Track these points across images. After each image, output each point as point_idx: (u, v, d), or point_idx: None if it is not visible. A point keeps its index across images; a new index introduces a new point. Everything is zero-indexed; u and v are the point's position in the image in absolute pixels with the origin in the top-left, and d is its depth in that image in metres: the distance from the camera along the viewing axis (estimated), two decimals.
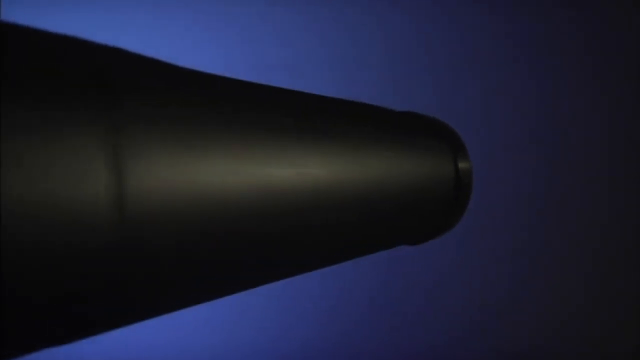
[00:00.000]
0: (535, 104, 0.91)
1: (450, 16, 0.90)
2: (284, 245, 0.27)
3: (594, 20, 0.93)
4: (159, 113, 0.23)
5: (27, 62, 0.21)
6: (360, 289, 0.91)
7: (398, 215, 0.35)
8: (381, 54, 0.87)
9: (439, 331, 0.92)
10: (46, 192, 0.19)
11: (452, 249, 0.88)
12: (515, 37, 0.91)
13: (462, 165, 0.38)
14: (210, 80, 0.27)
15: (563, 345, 0.95)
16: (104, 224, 0.21)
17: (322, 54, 0.86)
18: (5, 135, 0.19)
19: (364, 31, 0.88)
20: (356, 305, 0.91)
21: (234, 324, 0.89)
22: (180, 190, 0.22)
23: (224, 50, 0.84)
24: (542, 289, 0.94)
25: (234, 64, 0.85)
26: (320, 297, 0.90)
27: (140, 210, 0.21)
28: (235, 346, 0.88)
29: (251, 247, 0.26)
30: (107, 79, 0.22)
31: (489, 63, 0.90)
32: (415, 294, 0.92)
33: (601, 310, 0.97)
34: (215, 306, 0.89)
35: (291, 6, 0.88)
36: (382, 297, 0.92)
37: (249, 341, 0.89)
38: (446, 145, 0.38)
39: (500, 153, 0.85)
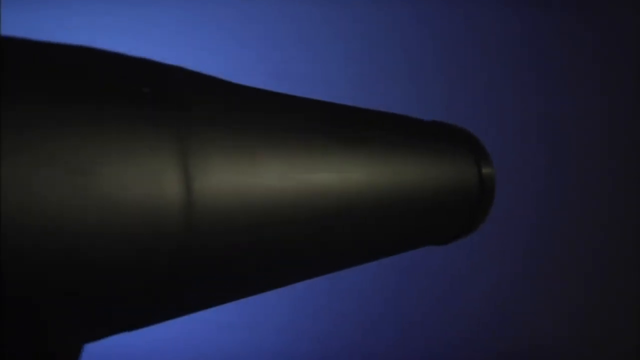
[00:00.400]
0: (546, 105, 0.93)
1: (462, 19, 0.92)
2: (329, 244, 0.30)
3: (604, 21, 0.95)
4: (219, 123, 0.25)
5: (110, 84, 0.23)
6: (375, 290, 0.93)
7: (426, 217, 0.37)
8: (396, 58, 0.90)
9: (449, 331, 0.94)
10: (127, 192, 0.22)
11: (454, 251, 0.90)
12: (525, 40, 0.94)
13: (485, 170, 0.40)
14: (259, 92, 0.30)
15: (563, 345, 0.96)
16: (175, 224, 0.23)
17: (336, 61, 0.89)
18: (97, 146, 0.22)
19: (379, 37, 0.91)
20: (372, 305, 0.93)
21: (254, 325, 0.91)
22: (240, 194, 0.25)
23: (242, 58, 0.87)
24: (551, 289, 0.96)
25: (255, 72, 0.88)
26: (334, 299, 0.93)
27: (206, 211, 0.24)
28: (256, 346, 0.90)
29: (300, 246, 0.28)
30: (173, 94, 0.25)
31: (500, 64, 0.92)
32: (426, 296, 0.94)
33: (602, 310, 0.98)
34: (232, 307, 0.91)
35: (303, 16, 0.91)
36: (397, 299, 0.94)
37: (267, 341, 0.91)
38: (470, 151, 0.40)
39: (505, 155, 0.87)
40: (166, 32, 0.89)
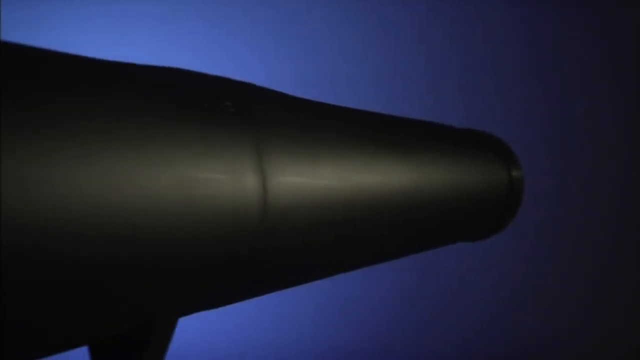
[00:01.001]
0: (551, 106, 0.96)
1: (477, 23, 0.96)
2: (376, 237, 0.35)
3: (613, 22, 0.98)
4: (287, 132, 0.31)
5: (201, 99, 0.29)
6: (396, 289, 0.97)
7: (461, 215, 0.42)
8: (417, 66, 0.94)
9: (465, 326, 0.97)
10: (217, 187, 0.27)
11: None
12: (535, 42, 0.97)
13: (515, 174, 0.45)
14: (319, 105, 0.35)
15: (564, 344, 0.98)
16: (256, 215, 0.29)
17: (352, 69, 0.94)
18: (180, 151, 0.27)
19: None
20: (391, 304, 0.97)
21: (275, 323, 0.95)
22: (304, 192, 0.30)
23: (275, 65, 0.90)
24: (562, 288, 0.99)
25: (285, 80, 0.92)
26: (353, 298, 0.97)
27: (278, 204, 0.29)
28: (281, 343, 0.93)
29: (354, 239, 0.33)
30: (249, 108, 0.30)
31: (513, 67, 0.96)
32: (441, 295, 0.98)
33: (602, 310, 1.00)
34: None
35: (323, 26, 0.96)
36: (414, 298, 0.98)
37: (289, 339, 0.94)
38: (500, 157, 0.45)
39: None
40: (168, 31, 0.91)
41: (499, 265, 0.98)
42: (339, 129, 0.34)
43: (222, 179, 0.27)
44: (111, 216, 0.24)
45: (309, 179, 0.30)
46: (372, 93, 0.91)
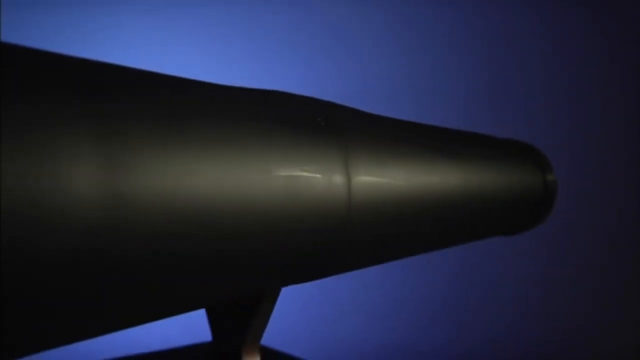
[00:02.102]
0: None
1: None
2: (436, 229, 0.43)
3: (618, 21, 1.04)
4: (365, 141, 0.38)
5: (300, 116, 0.36)
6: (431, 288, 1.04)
7: (501, 212, 0.49)
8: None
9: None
10: (313, 182, 0.35)
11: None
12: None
13: (549, 178, 0.52)
14: (386, 118, 0.42)
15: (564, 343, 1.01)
16: (336, 208, 0.36)
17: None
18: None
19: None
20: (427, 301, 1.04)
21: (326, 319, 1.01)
22: (380, 189, 0.38)
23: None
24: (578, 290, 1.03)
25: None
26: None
27: (360, 198, 0.37)
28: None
29: (417, 229, 0.41)
30: (335, 122, 0.38)
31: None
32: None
33: (602, 309, 1.04)
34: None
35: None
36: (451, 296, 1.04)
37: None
38: (536, 164, 0.52)
39: None
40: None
41: (529, 265, 1.04)
42: (406, 138, 0.41)
43: (318, 178, 0.35)
44: (247, 211, 0.32)
45: (383, 178, 0.38)
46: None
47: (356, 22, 1.04)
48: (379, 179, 0.38)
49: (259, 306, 0.37)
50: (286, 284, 0.38)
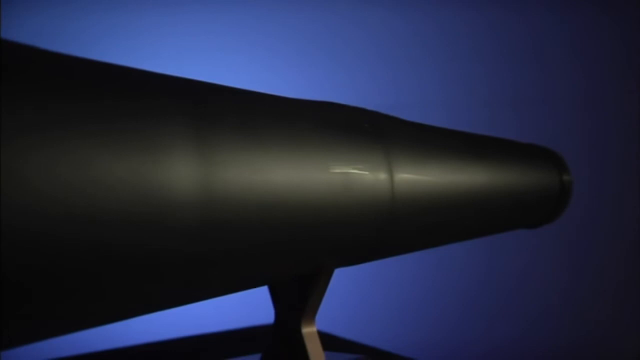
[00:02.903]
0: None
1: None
2: (466, 221, 0.49)
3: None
4: (405, 143, 0.45)
5: (349, 122, 0.43)
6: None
7: (522, 208, 0.56)
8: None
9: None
10: (359, 178, 0.42)
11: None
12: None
13: (565, 178, 0.58)
14: (419, 124, 0.49)
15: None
16: (381, 201, 0.43)
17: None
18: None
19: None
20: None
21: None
22: (419, 185, 0.44)
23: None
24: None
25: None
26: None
27: (401, 192, 0.43)
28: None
29: (450, 221, 0.48)
30: (375, 129, 0.45)
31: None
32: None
33: (602, 309, 1.09)
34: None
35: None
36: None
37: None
38: (554, 165, 0.58)
39: None
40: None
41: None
42: (438, 142, 0.48)
43: (367, 174, 0.42)
44: (311, 202, 0.39)
45: (420, 176, 0.45)
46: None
47: (387, 35, 1.11)
48: (416, 176, 0.45)
49: (315, 284, 0.44)
50: (339, 266, 0.45)
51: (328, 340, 0.47)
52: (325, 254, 0.43)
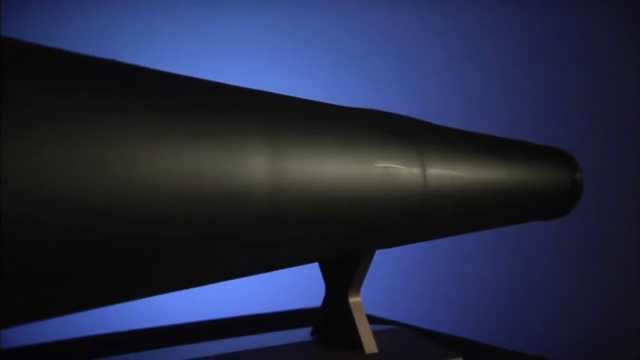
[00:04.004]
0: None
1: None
2: (489, 212, 0.57)
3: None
4: (435, 144, 0.53)
5: (384, 127, 0.52)
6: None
7: (537, 201, 0.63)
8: None
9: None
10: (396, 172, 0.50)
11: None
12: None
13: (577, 176, 0.65)
14: (446, 127, 0.57)
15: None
16: (415, 191, 0.51)
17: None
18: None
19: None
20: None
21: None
22: (448, 179, 0.52)
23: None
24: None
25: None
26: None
27: (432, 184, 0.51)
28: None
29: (473, 212, 0.56)
30: (409, 131, 0.53)
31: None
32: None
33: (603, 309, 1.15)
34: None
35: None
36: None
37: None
38: (567, 164, 0.66)
39: None
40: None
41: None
42: (465, 141, 0.56)
43: (403, 169, 0.50)
44: (358, 192, 0.47)
45: (448, 170, 0.53)
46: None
47: (413, 45, 1.20)
48: (445, 170, 0.53)
49: (360, 262, 0.52)
50: (379, 248, 0.53)
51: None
52: (368, 237, 0.51)
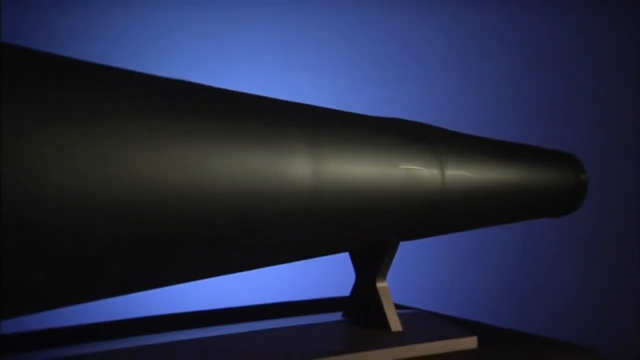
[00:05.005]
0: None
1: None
2: (498, 209, 0.64)
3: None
4: (451, 149, 0.60)
5: (408, 132, 0.59)
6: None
7: (545, 200, 0.71)
8: None
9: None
10: (417, 172, 0.57)
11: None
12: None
13: (582, 177, 0.72)
14: (460, 133, 0.64)
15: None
16: (434, 190, 0.58)
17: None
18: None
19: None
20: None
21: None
22: (463, 179, 0.60)
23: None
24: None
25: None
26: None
27: (449, 183, 0.59)
28: None
29: (485, 209, 0.63)
30: (429, 138, 0.60)
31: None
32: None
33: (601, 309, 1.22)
34: None
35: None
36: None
37: None
38: (572, 166, 0.73)
39: None
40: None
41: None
42: (478, 146, 0.64)
43: (424, 170, 0.58)
44: (385, 190, 0.54)
45: (465, 172, 0.60)
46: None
47: (426, 53, 1.27)
48: (461, 172, 0.60)
49: (386, 252, 0.60)
50: (403, 240, 0.61)
51: None
52: (394, 230, 0.59)
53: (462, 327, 0.63)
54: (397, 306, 0.63)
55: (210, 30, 1.16)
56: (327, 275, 0.92)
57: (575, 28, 1.27)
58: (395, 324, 0.59)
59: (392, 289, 0.62)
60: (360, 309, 0.62)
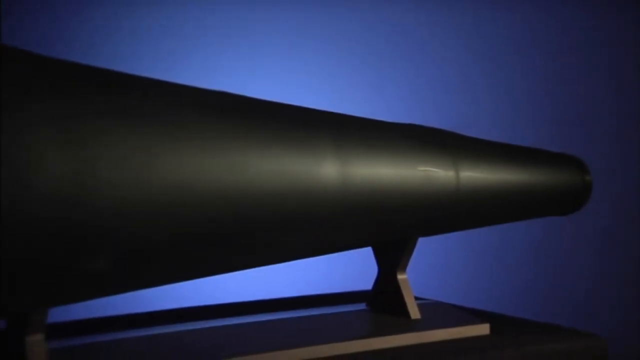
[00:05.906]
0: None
1: None
2: (508, 208, 0.70)
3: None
4: (465, 152, 0.66)
5: (422, 137, 0.65)
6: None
7: (552, 199, 0.76)
8: None
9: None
10: (433, 174, 0.63)
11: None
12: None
13: (586, 178, 0.78)
14: (470, 137, 0.70)
15: None
16: (449, 190, 0.64)
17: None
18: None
19: None
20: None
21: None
22: (475, 180, 0.65)
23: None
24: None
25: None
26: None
27: (463, 184, 0.65)
28: None
29: (494, 207, 0.69)
30: (444, 142, 0.66)
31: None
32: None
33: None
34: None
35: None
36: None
37: None
38: (578, 168, 0.78)
39: None
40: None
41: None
42: (491, 149, 0.69)
43: (440, 172, 0.63)
44: (405, 191, 0.60)
45: (479, 174, 0.66)
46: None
47: (442, 59, 1.33)
48: (475, 174, 0.66)
49: (406, 247, 0.65)
50: (422, 236, 0.66)
51: None
52: (413, 226, 0.65)
53: (475, 316, 0.68)
54: (416, 298, 0.69)
55: (213, 30, 1.21)
56: (349, 271, 0.98)
57: (585, 26, 1.31)
58: (414, 313, 0.65)
59: (412, 283, 0.67)
60: (383, 300, 0.68)
